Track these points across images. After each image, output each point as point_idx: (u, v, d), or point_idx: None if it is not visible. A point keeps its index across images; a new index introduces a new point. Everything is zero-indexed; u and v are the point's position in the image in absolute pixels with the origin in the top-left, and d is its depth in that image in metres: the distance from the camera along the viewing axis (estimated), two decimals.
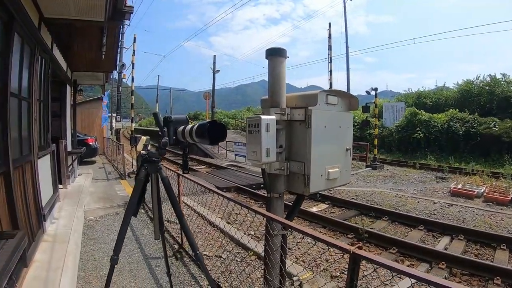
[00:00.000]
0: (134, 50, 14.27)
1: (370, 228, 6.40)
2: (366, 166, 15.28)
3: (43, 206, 4.77)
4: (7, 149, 3.37)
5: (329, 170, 2.50)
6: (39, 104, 5.10)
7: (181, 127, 2.27)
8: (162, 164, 2.55)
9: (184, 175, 4.28)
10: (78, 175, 10.04)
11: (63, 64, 7.84)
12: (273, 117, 2.32)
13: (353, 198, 9.18)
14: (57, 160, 7.08)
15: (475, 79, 22.42)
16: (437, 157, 18.51)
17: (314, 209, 8.18)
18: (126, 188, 8.59)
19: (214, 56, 27.25)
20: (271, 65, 2.45)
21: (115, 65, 9.52)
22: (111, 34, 6.70)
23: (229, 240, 5.24)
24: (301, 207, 7.92)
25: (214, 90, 27.98)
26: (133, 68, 14.12)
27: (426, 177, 13.15)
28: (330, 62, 16.20)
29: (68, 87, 9.07)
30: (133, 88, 14.76)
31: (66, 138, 8.41)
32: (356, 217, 7.62)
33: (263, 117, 2.21)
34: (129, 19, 5.68)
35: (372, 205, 8.14)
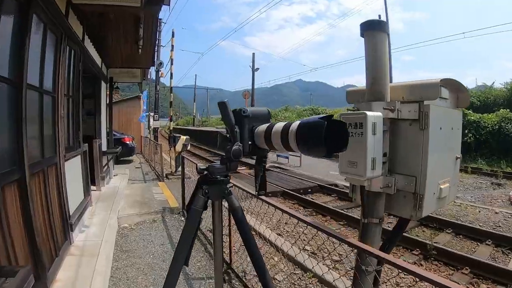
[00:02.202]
0: (172, 46, 13.73)
1: (435, 242, 5.58)
2: None
3: (70, 215, 4.24)
4: (22, 152, 2.80)
5: (441, 186, 1.78)
6: (67, 100, 4.59)
7: (262, 127, 1.39)
8: (232, 186, 1.60)
9: (261, 197, 2.69)
10: (114, 175, 9.65)
11: (97, 59, 7.40)
12: (380, 114, 1.60)
13: None
14: (90, 161, 6.65)
15: None
16: (487, 161, 17.11)
17: None
18: (164, 191, 8.03)
19: (253, 54, 26.71)
20: (370, 43, 1.78)
21: (152, 61, 9.02)
22: (147, 25, 6.17)
23: (281, 256, 4.52)
24: (350, 214, 7.24)
25: (253, 88, 27.16)
26: (171, 64, 13.59)
27: (480, 182, 11.91)
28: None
29: (104, 84, 8.67)
30: (171, 85, 14.20)
31: (101, 137, 7.99)
32: (416, 228, 6.76)
33: (369, 114, 1.48)
34: (168, 4, 5.08)
35: (432, 215, 7.22)
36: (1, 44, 2.62)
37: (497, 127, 17.82)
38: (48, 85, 3.70)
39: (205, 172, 1.50)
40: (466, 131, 18.46)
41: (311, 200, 8.70)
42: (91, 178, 6.93)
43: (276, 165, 15.42)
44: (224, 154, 1.44)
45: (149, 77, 15.21)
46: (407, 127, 1.73)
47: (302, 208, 8.18)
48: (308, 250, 5.25)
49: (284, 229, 6.23)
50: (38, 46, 3.37)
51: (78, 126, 5.18)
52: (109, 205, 6.24)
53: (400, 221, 1.96)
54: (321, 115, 1.01)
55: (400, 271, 1.54)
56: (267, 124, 1.37)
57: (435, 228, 6.62)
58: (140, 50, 7.10)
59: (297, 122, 1.13)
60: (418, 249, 5.41)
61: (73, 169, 4.84)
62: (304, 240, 5.18)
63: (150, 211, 6.30)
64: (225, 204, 1.55)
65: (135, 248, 4.76)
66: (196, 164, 1.67)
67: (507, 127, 17.39)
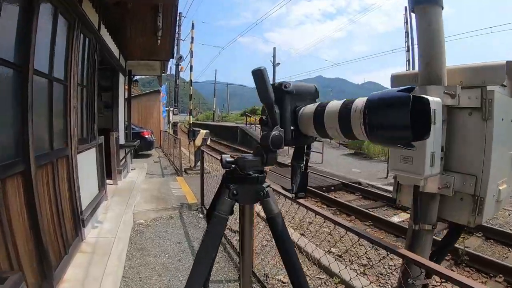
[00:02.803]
0: (192, 37, 13.38)
1: (466, 247, 5.22)
2: None
3: (82, 210, 4.05)
4: (27, 142, 2.59)
5: (500, 187, 1.47)
6: (81, 90, 4.39)
7: (309, 108, 1.04)
8: (269, 186, 1.19)
9: (299, 199, 1.87)
10: (131, 169, 9.51)
11: (115, 51, 7.23)
12: (439, 99, 1.31)
13: None
14: (107, 154, 6.50)
15: None
16: None
17: (395, 219, 7.00)
18: (182, 187, 7.82)
19: (274, 48, 26.19)
20: (423, 19, 1.49)
21: (171, 53, 8.79)
22: (166, 14, 5.95)
23: (305, 258, 4.23)
24: (376, 215, 6.90)
25: (274, 83, 26.48)
26: (191, 56, 13.30)
27: None
28: (408, 51, 14.35)
29: (122, 77, 8.53)
30: (191, 78, 13.91)
31: (119, 130, 7.83)
32: (444, 230, 6.34)
33: (429, 98, 1.18)
34: None
35: (493, 227, 6.80)
36: (5, 26, 2.41)
37: None
38: (59, 72, 3.50)
39: (233, 167, 1.12)
40: None
41: (334, 198, 8.39)
42: (107, 171, 6.78)
43: None
44: (257, 145, 1.10)
45: (168, 71, 15.03)
46: (466, 117, 1.42)
47: (325, 206, 7.87)
48: (333, 253, 4.97)
49: (307, 228, 5.95)
50: (47, 31, 3.16)
51: (93, 118, 4.99)
52: (125, 199, 6.06)
53: (452, 228, 1.65)
54: (400, 87, 0.69)
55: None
56: (315, 104, 1.02)
57: (465, 231, 6.20)
58: (159, 41, 6.87)
59: (363, 99, 0.79)
60: (448, 254, 5.00)
61: (86, 162, 4.66)
62: (329, 241, 4.90)
63: (167, 207, 6.09)
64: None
65: (150, 246, 4.55)
66: (221, 156, 1.18)
67: None
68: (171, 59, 9.93)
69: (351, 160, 16.28)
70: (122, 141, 8.39)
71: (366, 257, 4.71)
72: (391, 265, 4.56)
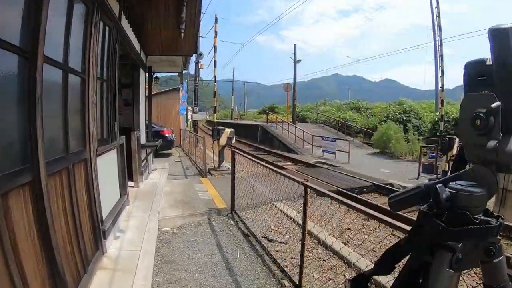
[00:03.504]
0: (216, 32, 12.72)
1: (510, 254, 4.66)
2: None
3: (103, 219, 3.58)
4: (35, 145, 2.11)
5: None
6: (101, 84, 3.92)
7: None
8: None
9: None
10: (153, 170, 9.07)
11: (136, 44, 6.78)
12: None
13: None
14: (128, 155, 6.07)
15: None
16: None
17: None
18: (208, 189, 7.32)
19: (295, 45, 25.35)
20: None
21: (195, 47, 8.31)
22: (191, 6, 5.47)
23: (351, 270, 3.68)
24: (401, 212, 6.31)
25: (295, 80, 25.93)
26: (215, 51, 12.69)
27: None
28: (441, 45, 13.41)
29: (143, 73, 8.08)
30: (215, 74, 13.26)
31: (140, 129, 7.39)
32: None
33: None
34: None
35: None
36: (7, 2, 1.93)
37: None
38: (75, 63, 3.01)
39: (447, 204, 0.65)
40: None
41: (368, 200, 7.77)
42: (128, 173, 6.38)
43: (323, 160, 14.48)
44: (476, 163, 0.69)
45: (187, 69, 14.45)
46: None
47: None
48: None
49: (347, 236, 5.39)
50: (61, 13, 2.67)
51: (114, 116, 4.52)
52: (148, 204, 5.60)
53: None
54: None
55: None
56: None
57: (507, 237, 5.61)
58: (182, 35, 6.39)
59: None
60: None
61: (107, 165, 4.20)
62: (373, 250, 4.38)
63: (195, 213, 5.60)
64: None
65: (179, 259, 4.05)
66: (436, 188, 0.60)
67: None
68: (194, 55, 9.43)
69: (378, 159, 15.58)
70: (143, 140, 7.96)
71: None
72: None
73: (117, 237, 4.11)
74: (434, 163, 11.76)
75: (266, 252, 4.17)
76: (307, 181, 3.16)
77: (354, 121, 27.46)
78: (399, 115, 23.82)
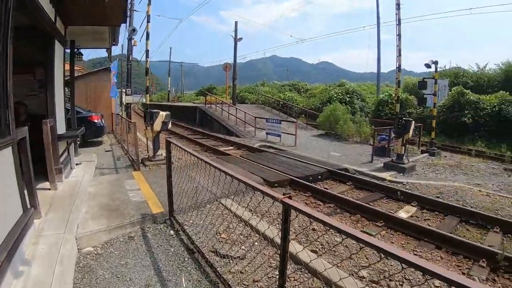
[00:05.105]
0: (148, 15, 10.96)
1: (489, 246, 4.63)
2: (422, 152, 12.65)
3: None
4: None
5: None
6: None
7: None
8: None
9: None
10: (77, 164, 7.58)
11: (49, 10, 5.33)
12: None
13: (438, 197, 7.01)
14: (39, 150, 4.79)
15: None
16: (486, 143, 16.47)
17: (402, 214, 6.04)
18: (141, 187, 6.05)
19: (236, 22, 24.00)
20: None
21: (124, 16, 6.95)
22: None
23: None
24: (382, 210, 5.69)
25: (235, 59, 24.49)
26: (148, 21, 10.84)
27: (493, 168, 10.58)
28: (399, 24, 12.83)
29: (60, 47, 6.55)
30: (148, 48, 11.31)
31: (55, 116, 5.93)
32: (458, 226, 5.67)
33: None
34: None
35: (472, 209, 6.12)
36: None
37: (496, 109, 17.27)
38: None
39: None
40: (465, 111, 18.01)
41: (325, 190, 7.12)
42: (42, 172, 5.07)
43: (268, 144, 13.72)
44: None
45: (119, 51, 12.60)
46: None
47: (321, 203, 6.58)
48: (364, 278, 3.68)
49: (316, 240, 4.60)
50: None
51: (6, 100, 3.20)
52: (65, 215, 4.35)
53: None
54: None
55: None
56: None
57: (478, 226, 5.60)
58: None
59: None
60: (484, 259, 4.29)
61: None
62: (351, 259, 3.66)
63: (124, 223, 4.42)
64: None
65: None
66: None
67: (507, 110, 16.86)
68: (123, 24, 7.91)
69: (325, 141, 15.17)
70: (62, 130, 6.53)
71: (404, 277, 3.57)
72: None
73: (18, 276, 2.89)
74: (386, 146, 11.42)
75: (221, 280, 3.20)
76: (290, 197, 2.18)
77: (295, 102, 27.25)
78: (341, 96, 23.86)
